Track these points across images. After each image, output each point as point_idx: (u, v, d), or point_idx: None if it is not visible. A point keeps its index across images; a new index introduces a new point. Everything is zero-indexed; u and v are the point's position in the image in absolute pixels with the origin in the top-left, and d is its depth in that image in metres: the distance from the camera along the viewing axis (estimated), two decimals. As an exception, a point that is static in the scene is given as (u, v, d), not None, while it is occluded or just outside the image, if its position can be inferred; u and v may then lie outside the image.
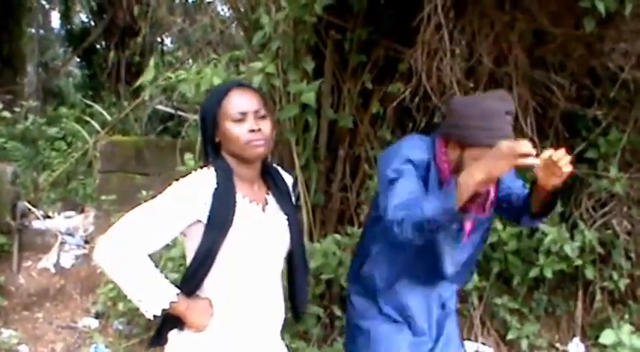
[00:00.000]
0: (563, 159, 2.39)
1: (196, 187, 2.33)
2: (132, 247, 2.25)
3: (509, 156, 2.32)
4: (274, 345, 2.61)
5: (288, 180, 2.65)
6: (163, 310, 2.29)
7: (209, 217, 2.30)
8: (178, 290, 2.32)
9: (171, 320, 2.39)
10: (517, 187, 2.95)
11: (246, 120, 2.36)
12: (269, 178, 2.55)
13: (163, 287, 2.30)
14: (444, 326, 3.16)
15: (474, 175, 2.39)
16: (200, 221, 2.32)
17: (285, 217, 2.52)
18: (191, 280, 2.37)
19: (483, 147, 2.56)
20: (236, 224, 2.32)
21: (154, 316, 2.31)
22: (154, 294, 2.28)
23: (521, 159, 2.32)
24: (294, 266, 2.58)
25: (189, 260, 2.41)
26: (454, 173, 2.66)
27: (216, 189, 2.32)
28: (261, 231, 2.42)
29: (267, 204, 2.50)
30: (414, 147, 2.79)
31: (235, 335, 2.42)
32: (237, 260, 2.37)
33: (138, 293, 2.30)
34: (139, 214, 2.31)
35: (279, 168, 2.64)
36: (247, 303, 2.43)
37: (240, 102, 2.38)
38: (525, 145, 2.31)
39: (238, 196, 2.37)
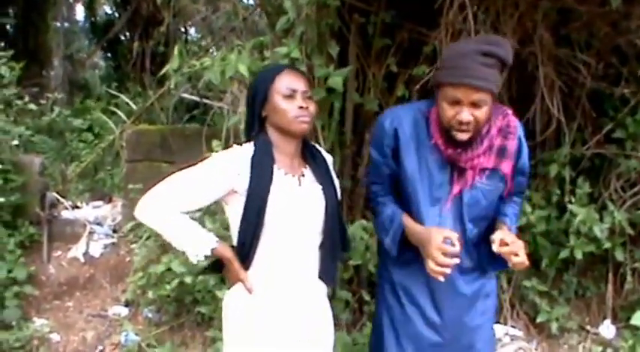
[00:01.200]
0: (516, 260, 2.59)
1: (231, 159, 2.52)
2: (166, 205, 2.49)
3: (430, 249, 2.55)
4: (316, 311, 2.72)
5: (328, 159, 2.79)
6: (206, 256, 2.52)
7: (249, 187, 2.47)
8: (217, 239, 2.54)
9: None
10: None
11: (295, 98, 2.56)
12: (308, 156, 2.70)
13: (203, 237, 2.52)
14: (463, 323, 2.93)
15: (410, 238, 2.74)
16: (236, 191, 2.50)
17: (321, 188, 2.64)
18: (242, 247, 2.54)
19: (446, 86, 2.61)
20: (272, 194, 2.47)
21: (209, 267, 2.64)
22: (193, 243, 2.51)
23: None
24: (326, 239, 2.68)
25: (232, 227, 2.60)
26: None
27: (253, 159, 2.49)
28: (297, 204, 2.56)
29: (303, 176, 2.63)
30: (383, 124, 2.87)
31: (276, 302, 2.57)
32: (274, 230, 2.52)
33: (180, 244, 2.54)
34: (176, 178, 2.53)
35: (319, 147, 2.79)
36: (286, 272, 2.59)
37: (291, 80, 2.59)
38: (441, 258, 2.52)
39: (274, 168, 2.51)
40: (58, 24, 15.08)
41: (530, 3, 4.56)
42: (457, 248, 2.54)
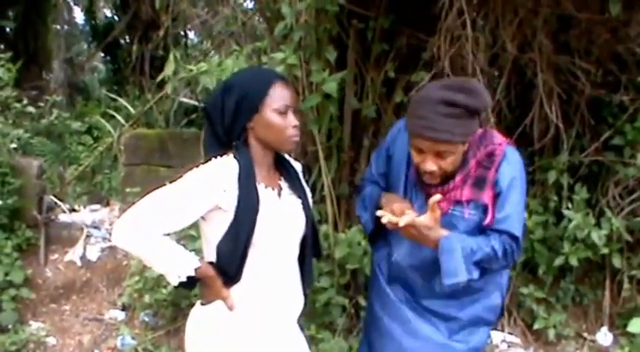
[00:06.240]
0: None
1: (216, 174, 2.37)
2: (146, 228, 2.31)
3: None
4: (293, 329, 2.65)
5: (297, 167, 2.69)
6: (189, 277, 2.36)
7: (237, 206, 2.34)
8: (199, 258, 2.40)
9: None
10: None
11: (287, 114, 2.41)
12: (280, 165, 2.60)
13: (185, 256, 2.36)
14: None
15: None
16: (220, 207, 2.35)
17: (300, 201, 2.57)
18: (228, 266, 2.40)
19: (411, 133, 2.56)
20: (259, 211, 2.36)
21: (181, 283, 2.38)
22: (176, 264, 2.35)
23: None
24: (306, 248, 2.63)
25: (208, 244, 2.47)
26: None
27: (240, 176, 2.35)
28: (279, 216, 2.46)
29: (281, 189, 2.54)
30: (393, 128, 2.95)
31: (256, 318, 2.46)
32: (259, 245, 2.40)
33: (161, 267, 2.40)
34: (155, 198, 2.36)
35: (286, 156, 2.66)
36: (267, 288, 2.48)
37: (287, 95, 2.43)
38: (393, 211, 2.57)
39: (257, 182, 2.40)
40: (58, 27, 15.09)
41: (529, 9, 4.56)
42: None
